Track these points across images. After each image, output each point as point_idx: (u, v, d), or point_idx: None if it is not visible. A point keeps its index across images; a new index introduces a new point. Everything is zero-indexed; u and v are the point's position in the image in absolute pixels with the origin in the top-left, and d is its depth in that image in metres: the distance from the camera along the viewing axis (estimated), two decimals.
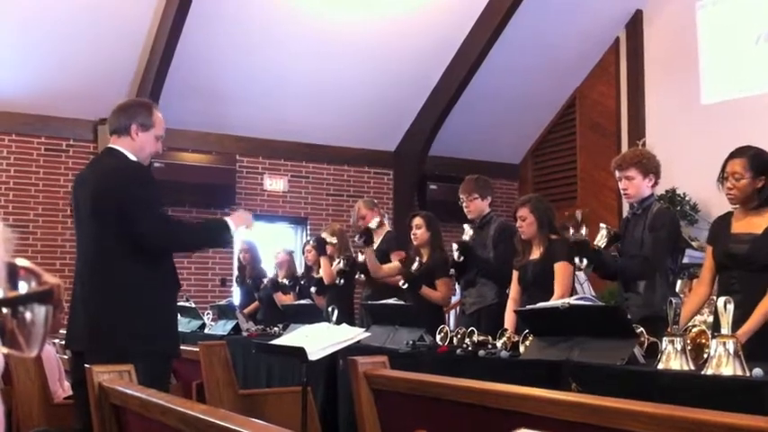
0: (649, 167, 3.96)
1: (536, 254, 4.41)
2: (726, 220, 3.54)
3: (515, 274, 4.53)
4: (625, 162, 3.98)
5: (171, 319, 3.40)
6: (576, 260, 3.88)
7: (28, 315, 1.12)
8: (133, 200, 3.16)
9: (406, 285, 5.08)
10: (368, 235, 5.56)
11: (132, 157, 3.29)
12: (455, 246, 4.86)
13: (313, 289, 6.33)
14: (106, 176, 3.24)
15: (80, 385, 3.17)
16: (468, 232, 4.93)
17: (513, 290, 4.54)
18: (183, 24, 7.72)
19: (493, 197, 5.21)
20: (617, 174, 4.00)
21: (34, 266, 1.13)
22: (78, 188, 3.39)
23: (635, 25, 9.67)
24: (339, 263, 5.94)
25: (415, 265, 5.16)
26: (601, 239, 3.98)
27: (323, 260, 6.17)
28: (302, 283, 6.79)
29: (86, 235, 3.28)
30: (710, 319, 3.78)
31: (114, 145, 3.31)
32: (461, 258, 4.81)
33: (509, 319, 4.32)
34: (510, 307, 4.46)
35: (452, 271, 4.99)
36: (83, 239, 3.32)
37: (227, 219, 3.42)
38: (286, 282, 6.94)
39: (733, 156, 3.43)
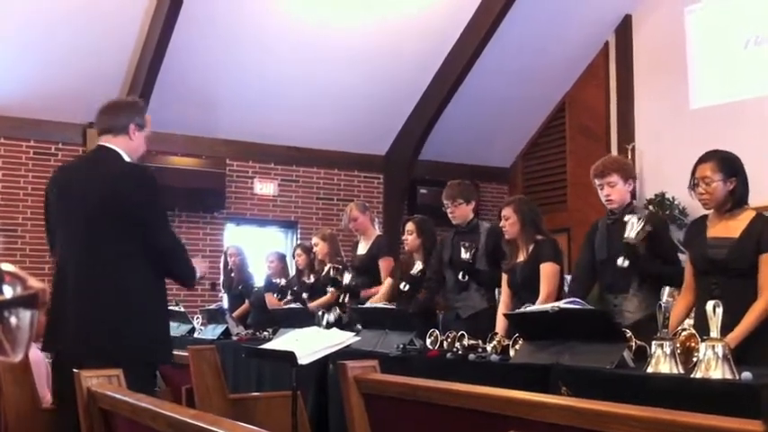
0: (629, 172, 4.00)
1: (522, 256, 4.42)
2: (701, 224, 3.54)
3: (504, 277, 4.54)
4: (606, 168, 3.99)
5: (167, 324, 3.39)
6: (620, 260, 3.79)
7: (13, 320, 1.12)
8: (156, 211, 3.15)
9: (407, 288, 5.09)
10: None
11: (127, 158, 3.22)
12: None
13: (305, 295, 6.33)
14: (119, 180, 3.14)
15: (69, 394, 3.14)
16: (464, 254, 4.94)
17: (504, 293, 4.54)
18: (173, 28, 7.71)
19: (477, 201, 5.22)
20: (597, 181, 4.00)
21: (19, 271, 1.12)
22: (70, 187, 3.25)
23: (624, 30, 9.71)
24: (329, 270, 5.98)
25: (415, 269, 5.17)
26: (632, 231, 3.83)
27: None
28: (294, 288, 6.79)
29: (84, 236, 3.14)
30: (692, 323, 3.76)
31: (109, 144, 3.22)
32: (466, 278, 4.81)
33: (500, 323, 4.32)
34: (501, 310, 4.47)
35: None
36: (74, 240, 3.17)
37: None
38: (282, 281, 6.95)
39: (702, 160, 3.44)
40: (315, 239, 6.45)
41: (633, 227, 3.74)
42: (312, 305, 5.97)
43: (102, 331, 3.04)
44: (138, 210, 3.08)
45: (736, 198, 3.39)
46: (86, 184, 3.19)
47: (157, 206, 3.19)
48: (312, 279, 6.40)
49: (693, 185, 3.45)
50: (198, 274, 3.32)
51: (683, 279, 3.87)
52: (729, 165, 3.40)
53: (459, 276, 4.79)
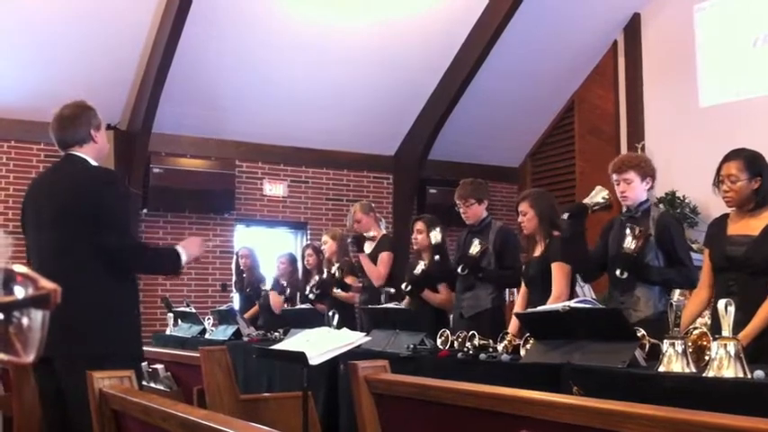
0: (647, 170, 3.95)
1: (538, 251, 4.41)
2: (722, 222, 3.53)
3: (523, 269, 4.54)
4: (624, 165, 3.96)
5: (139, 322, 3.43)
6: (617, 272, 3.80)
7: (25, 320, 1.12)
8: (111, 212, 3.19)
9: (408, 288, 5.08)
10: (358, 241, 5.64)
11: (94, 163, 3.32)
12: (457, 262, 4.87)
13: (311, 296, 6.34)
14: (84, 182, 3.23)
15: (49, 395, 3.16)
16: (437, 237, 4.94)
17: (522, 287, 4.54)
18: (181, 30, 7.72)
19: (489, 199, 5.19)
20: (614, 177, 3.97)
21: (31, 272, 1.12)
22: (40, 196, 3.34)
23: (633, 29, 9.67)
24: (335, 270, 6.00)
25: (418, 269, 5.16)
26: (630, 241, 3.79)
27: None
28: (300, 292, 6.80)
29: (55, 239, 3.21)
30: (710, 321, 3.76)
31: (76, 152, 3.31)
32: (466, 272, 4.81)
33: (513, 322, 4.31)
34: (518, 303, 4.47)
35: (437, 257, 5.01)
36: (47, 244, 3.24)
37: (179, 248, 3.40)
38: (284, 283, 6.98)
39: (728, 158, 3.43)
40: (324, 237, 6.48)
41: (630, 237, 3.74)
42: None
43: (80, 332, 3.07)
44: (99, 209, 3.16)
45: (760, 197, 3.37)
46: (54, 188, 3.29)
47: (114, 207, 3.23)
48: (317, 279, 6.42)
49: (717, 183, 3.44)
50: (184, 260, 3.35)
51: (690, 282, 3.85)
52: (755, 164, 3.38)
53: (459, 269, 4.78)
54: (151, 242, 8.51)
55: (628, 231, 3.74)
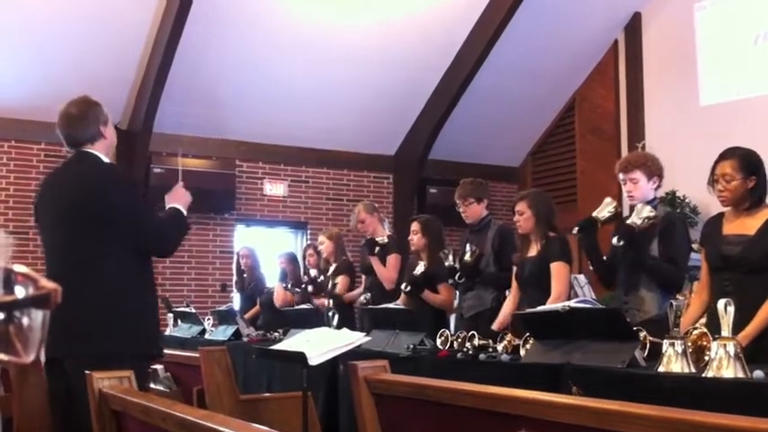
0: (654, 170, 3.93)
1: (533, 251, 4.41)
2: (717, 221, 3.52)
3: (514, 270, 4.54)
4: (630, 164, 3.94)
5: (156, 319, 3.42)
6: (614, 240, 3.77)
7: (25, 320, 1.12)
8: (123, 210, 3.17)
9: (408, 289, 5.08)
10: (370, 245, 5.63)
11: (106, 160, 3.31)
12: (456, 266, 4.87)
13: (310, 288, 6.38)
14: (92, 181, 3.22)
15: (59, 395, 3.17)
16: (449, 259, 4.91)
17: (513, 286, 4.54)
18: (182, 30, 7.73)
19: (489, 199, 5.18)
20: (621, 176, 3.95)
21: (31, 272, 1.13)
22: (49, 192, 3.34)
23: (633, 28, 9.68)
24: (334, 268, 6.03)
25: (418, 269, 5.16)
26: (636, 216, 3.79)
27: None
28: (301, 287, 6.81)
29: (64, 238, 3.22)
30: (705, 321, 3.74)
31: (88, 149, 3.29)
32: (462, 279, 4.80)
33: (501, 316, 4.33)
34: (508, 302, 4.46)
35: (450, 280, 4.99)
36: (56, 243, 3.26)
37: (173, 204, 3.44)
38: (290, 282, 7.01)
39: (722, 157, 3.41)
40: (321, 238, 6.48)
41: (639, 214, 3.73)
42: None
43: (84, 330, 3.07)
44: (113, 211, 3.14)
45: (756, 196, 3.36)
46: (63, 187, 3.27)
47: (131, 206, 3.22)
48: (320, 277, 6.42)
49: (712, 182, 3.43)
50: (185, 213, 3.43)
51: (677, 283, 3.83)
52: (750, 163, 3.36)
53: (456, 277, 4.79)
54: None
55: (635, 211, 3.73)
